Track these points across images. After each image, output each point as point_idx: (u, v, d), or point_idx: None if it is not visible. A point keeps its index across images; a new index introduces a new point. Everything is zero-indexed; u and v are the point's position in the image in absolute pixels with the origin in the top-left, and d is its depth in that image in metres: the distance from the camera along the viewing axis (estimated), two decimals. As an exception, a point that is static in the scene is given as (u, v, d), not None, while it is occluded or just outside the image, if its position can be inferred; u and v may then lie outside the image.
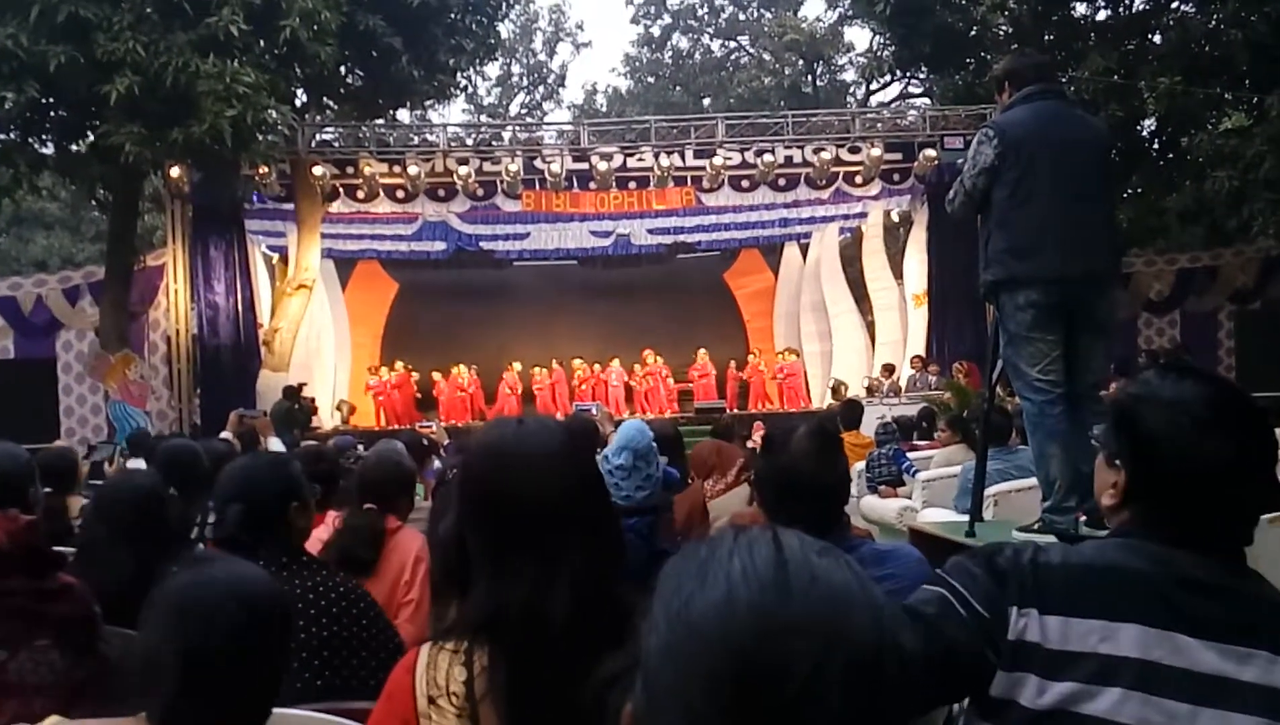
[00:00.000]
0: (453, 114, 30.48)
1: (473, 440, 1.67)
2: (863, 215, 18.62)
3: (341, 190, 16.09)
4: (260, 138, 12.86)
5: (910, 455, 7.82)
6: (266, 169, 14.43)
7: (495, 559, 1.41)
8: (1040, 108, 3.66)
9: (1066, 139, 3.61)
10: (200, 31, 11.88)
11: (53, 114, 13.03)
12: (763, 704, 0.62)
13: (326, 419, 16.51)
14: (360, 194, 16.18)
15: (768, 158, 16.31)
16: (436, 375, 18.64)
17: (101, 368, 14.63)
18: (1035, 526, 3.64)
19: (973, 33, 16.98)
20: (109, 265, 14.85)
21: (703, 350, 19.22)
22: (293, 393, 14.36)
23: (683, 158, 16.62)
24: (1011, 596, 1.35)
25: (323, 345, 17.73)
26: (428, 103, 19.60)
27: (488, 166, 16.36)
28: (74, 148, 13.49)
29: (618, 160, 16.54)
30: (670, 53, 35.77)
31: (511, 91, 36.31)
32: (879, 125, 18.31)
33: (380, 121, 17.31)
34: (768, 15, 33.74)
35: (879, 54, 21.72)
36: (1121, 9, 17.99)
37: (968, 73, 17.92)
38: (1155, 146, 18.08)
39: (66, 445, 7.17)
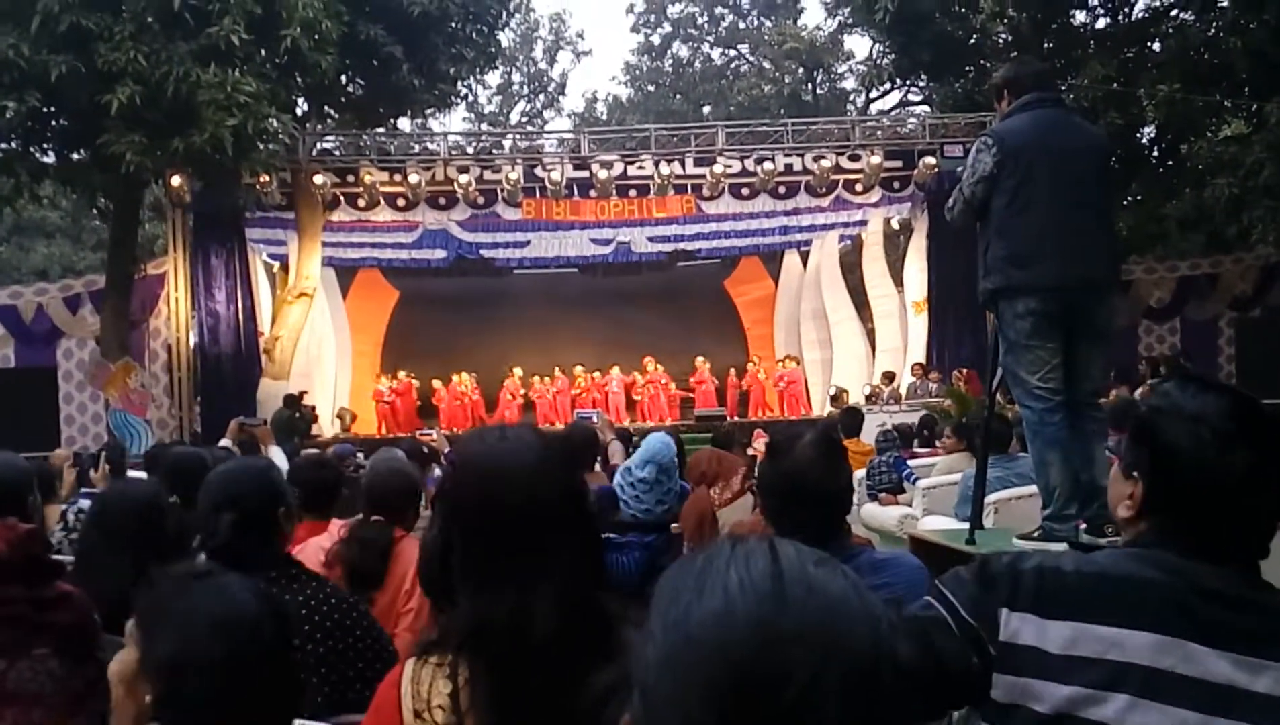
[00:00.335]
0: (453, 122, 30.59)
1: (454, 451, 1.66)
2: (863, 223, 18.64)
3: (342, 199, 16.12)
4: (261, 147, 12.88)
5: (911, 463, 7.82)
6: (267, 178, 14.46)
7: (477, 572, 1.40)
8: (1039, 116, 3.66)
9: (1065, 147, 3.62)
10: (201, 41, 11.91)
11: (54, 123, 13.07)
12: (760, 714, 0.62)
13: (327, 427, 16.51)
14: (361, 202, 16.20)
15: (768, 165, 16.32)
16: (437, 383, 18.65)
17: (102, 376, 14.64)
18: (1035, 534, 3.63)
19: (972, 41, 17.05)
20: (110, 274, 14.86)
21: (702, 358, 19.22)
22: (293, 401, 14.37)
23: (683, 165, 16.63)
24: (1001, 598, 1.35)
25: (323, 353, 17.73)
26: (428, 111, 19.65)
27: (488, 175, 16.38)
28: (75, 157, 13.53)
29: (618, 168, 16.56)
30: (670, 61, 35.84)
31: (512, 100, 36.38)
32: (879, 133, 18.32)
33: (381, 130, 17.35)
34: (767, 24, 33.81)
35: (879, 62, 21.82)
36: (1121, 17, 18.05)
37: (967, 80, 17.97)
38: (1155, 154, 18.13)
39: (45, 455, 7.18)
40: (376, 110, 16.73)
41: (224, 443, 8.01)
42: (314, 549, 3.15)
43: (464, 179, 15.89)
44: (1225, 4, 15.77)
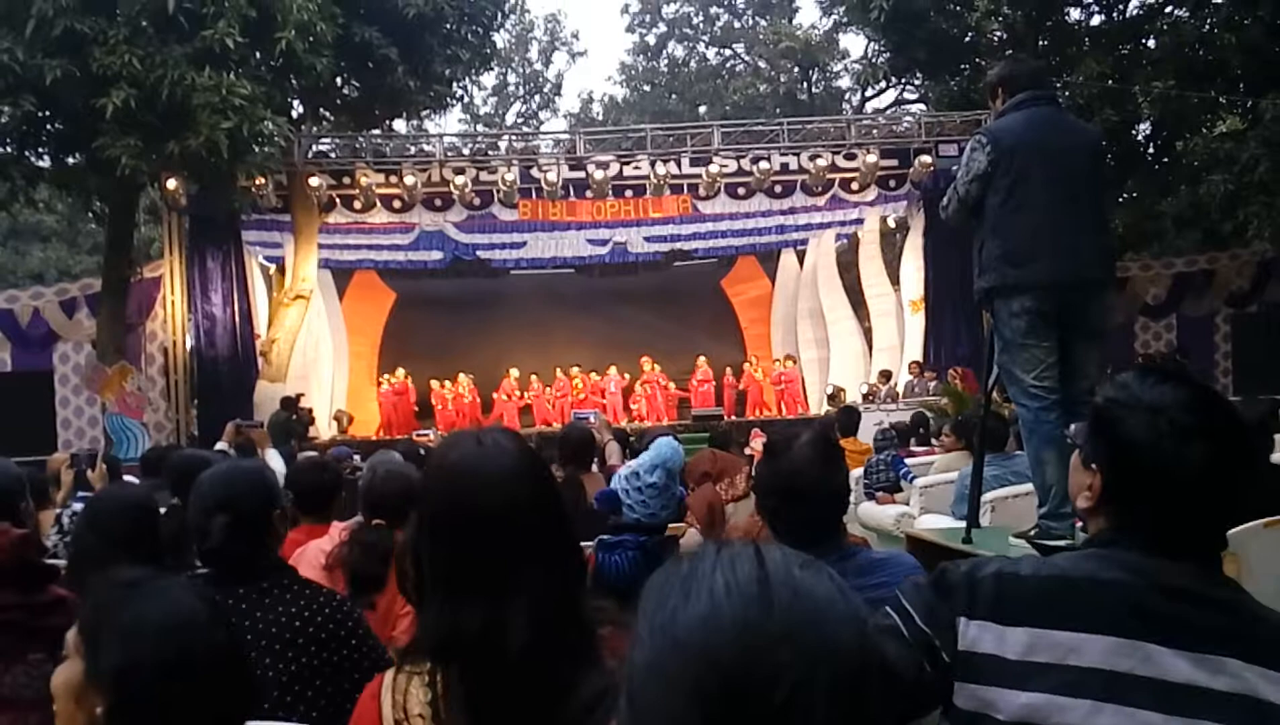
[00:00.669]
0: (449, 124, 30.64)
1: (431, 456, 1.64)
2: (859, 221, 18.66)
3: (338, 201, 16.11)
4: (256, 149, 12.86)
5: (909, 462, 7.83)
6: (263, 180, 14.44)
7: (450, 579, 1.39)
8: (1033, 114, 3.67)
9: (1060, 145, 3.62)
10: (196, 44, 11.90)
11: (49, 127, 13.04)
12: (747, 717, 0.62)
13: (324, 429, 16.50)
14: (357, 204, 16.19)
15: (764, 165, 16.33)
16: (435, 384, 18.64)
17: (98, 380, 14.62)
18: (1032, 532, 3.64)
19: (967, 39, 17.06)
20: (106, 277, 14.84)
21: (703, 358, 19.22)
22: (290, 403, 14.36)
23: (679, 165, 16.63)
24: (959, 607, 1.34)
25: (320, 356, 17.72)
26: (424, 113, 19.61)
27: (484, 176, 16.37)
28: (70, 161, 13.50)
29: (614, 168, 16.56)
30: (666, 61, 35.83)
31: (508, 101, 36.36)
32: (874, 132, 18.33)
33: (376, 132, 17.33)
34: (763, 23, 33.80)
35: (874, 61, 21.82)
36: (1115, 14, 18.07)
37: (962, 79, 17.99)
38: (1150, 151, 18.15)
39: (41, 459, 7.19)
40: (372, 112, 16.71)
41: (220, 445, 8.00)
42: (314, 552, 3.15)
43: (460, 180, 15.88)
44: (1219, 0, 15.80)
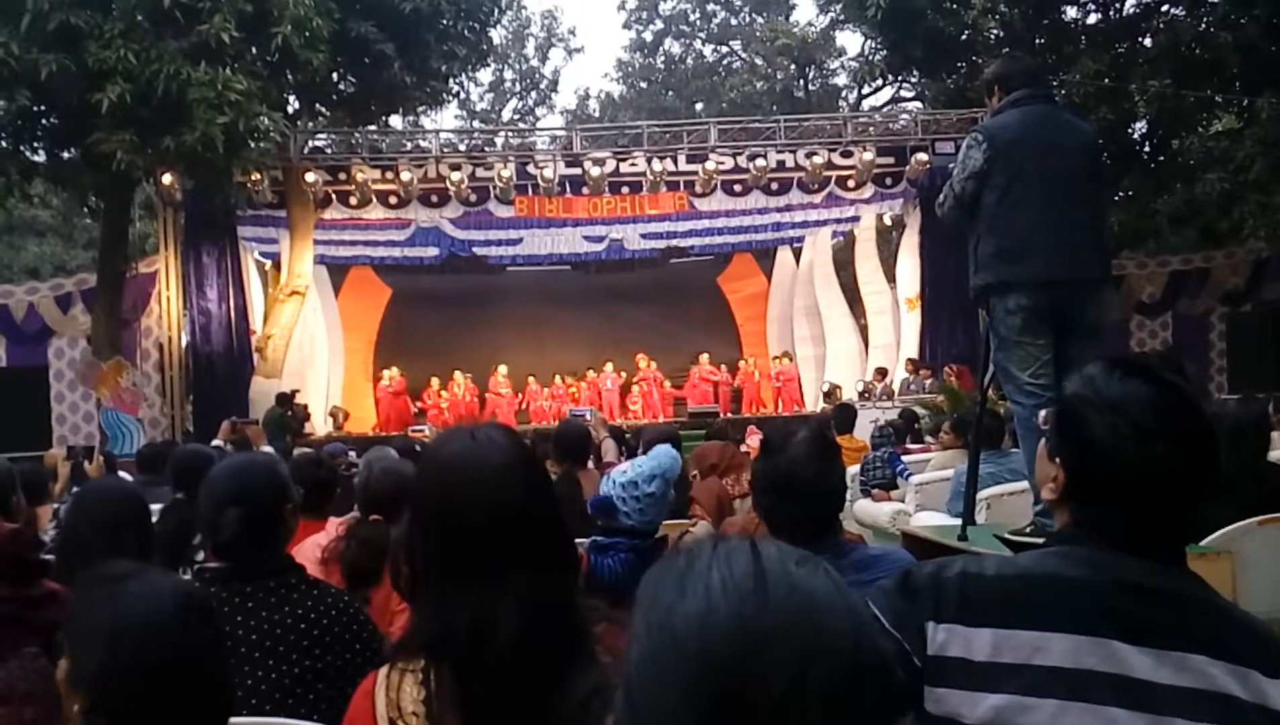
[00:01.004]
0: (445, 120, 30.49)
1: (425, 451, 1.64)
2: (855, 219, 18.65)
3: (334, 196, 16.08)
4: (252, 145, 12.85)
5: (906, 459, 7.83)
6: (259, 176, 14.42)
7: (443, 574, 1.38)
8: (1029, 112, 3.67)
9: (1056, 143, 3.62)
10: (192, 39, 11.88)
11: (44, 122, 13.03)
12: (744, 714, 0.62)
13: (320, 426, 16.48)
14: (353, 200, 16.17)
15: (760, 162, 16.33)
16: (435, 382, 18.61)
17: (94, 375, 14.60)
18: (1027, 529, 3.64)
19: (964, 37, 17.04)
20: (101, 273, 14.82)
21: (705, 356, 19.20)
22: (285, 400, 14.34)
23: (675, 162, 16.62)
24: (926, 612, 1.33)
25: (316, 352, 17.68)
26: (420, 109, 19.59)
27: (480, 172, 16.36)
28: (66, 155, 13.49)
29: (610, 165, 16.56)
30: (662, 58, 35.80)
31: (504, 97, 36.32)
32: (871, 129, 18.33)
33: (373, 128, 17.32)
34: (759, 20, 33.79)
35: (870, 58, 21.75)
36: (1112, 13, 18.08)
37: (959, 77, 17.97)
38: (1146, 149, 18.15)
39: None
40: (368, 108, 16.70)
41: (216, 442, 8.00)
42: (311, 547, 3.16)
43: (456, 176, 15.86)
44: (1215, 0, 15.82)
